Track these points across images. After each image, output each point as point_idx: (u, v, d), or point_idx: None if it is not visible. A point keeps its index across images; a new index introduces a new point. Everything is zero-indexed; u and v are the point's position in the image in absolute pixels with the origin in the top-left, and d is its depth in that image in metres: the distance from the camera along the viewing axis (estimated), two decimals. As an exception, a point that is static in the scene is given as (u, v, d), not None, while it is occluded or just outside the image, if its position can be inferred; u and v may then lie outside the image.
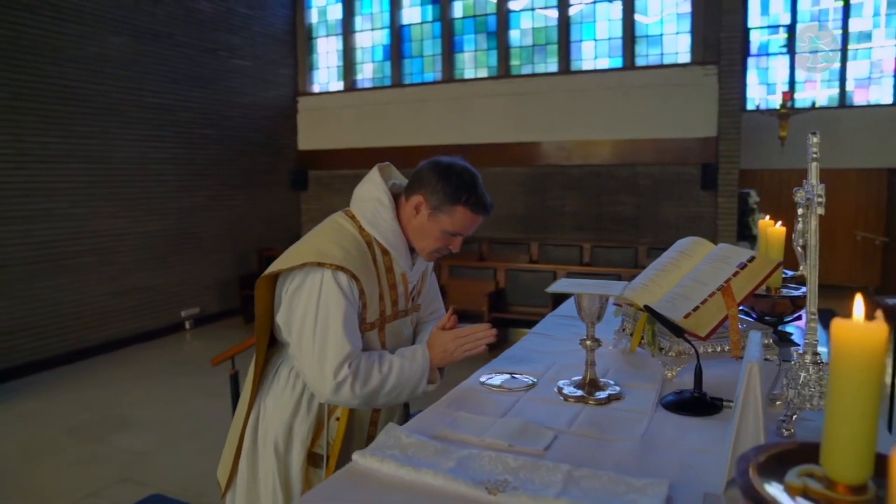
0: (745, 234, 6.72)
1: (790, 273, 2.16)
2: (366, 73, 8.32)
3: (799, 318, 2.01)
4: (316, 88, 8.66)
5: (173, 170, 6.81)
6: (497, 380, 1.64)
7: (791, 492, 0.76)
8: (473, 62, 7.56)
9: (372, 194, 1.68)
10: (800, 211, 1.27)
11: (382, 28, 8.04)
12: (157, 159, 6.61)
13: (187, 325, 6.98)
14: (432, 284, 1.95)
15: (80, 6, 5.78)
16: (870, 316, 0.76)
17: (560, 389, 1.55)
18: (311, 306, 1.55)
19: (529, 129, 7.13)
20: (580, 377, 1.58)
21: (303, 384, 1.64)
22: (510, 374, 1.69)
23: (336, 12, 8.29)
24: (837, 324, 0.72)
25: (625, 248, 6.59)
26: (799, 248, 1.29)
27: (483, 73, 7.51)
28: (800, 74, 8.12)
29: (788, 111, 6.91)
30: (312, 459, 1.64)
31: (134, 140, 6.34)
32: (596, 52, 6.95)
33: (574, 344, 1.97)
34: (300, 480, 1.64)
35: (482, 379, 1.66)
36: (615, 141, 6.78)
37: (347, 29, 8.24)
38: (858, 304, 0.76)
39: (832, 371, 0.74)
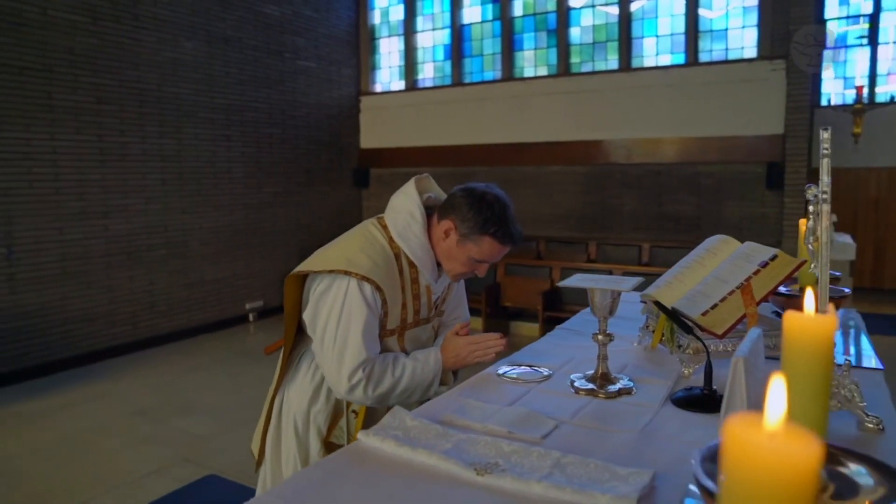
0: (815, 236, 6.43)
1: (835, 273, 2.10)
2: (427, 73, 8.43)
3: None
4: (378, 88, 8.84)
5: (240, 167, 7.11)
6: (514, 371, 1.68)
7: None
8: (533, 60, 7.54)
9: (405, 207, 1.74)
10: (811, 208, 1.25)
11: (443, 28, 8.13)
12: (226, 157, 6.92)
13: (251, 318, 7.28)
14: (459, 291, 1.99)
15: (157, 14, 6.13)
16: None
17: (572, 382, 1.57)
18: (335, 312, 1.64)
19: (589, 127, 7.05)
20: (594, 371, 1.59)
21: (321, 375, 1.73)
22: (528, 366, 1.72)
23: (398, 13, 8.44)
24: (789, 316, 0.73)
25: (684, 249, 6.40)
26: (810, 246, 1.27)
27: (542, 72, 7.48)
28: (882, 67, 7.69)
29: (863, 106, 6.56)
30: (330, 449, 1.73)
31: (204, 139, 6.66)
32: (658, 49, 6.80)
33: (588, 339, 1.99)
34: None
35: (500, 370, 1.70)
36: (676, 139, 6.63)
37: (409, 29, 8.37)
38: (809, 297, 0.77)
39: (783, 362, 0.75)
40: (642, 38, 6.87)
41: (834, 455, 0.80)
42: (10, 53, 5.11)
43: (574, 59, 7.26)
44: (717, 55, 6.57)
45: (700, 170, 6.55)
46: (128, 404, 4.88)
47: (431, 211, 1.76)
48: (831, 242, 1.26)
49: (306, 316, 1.71)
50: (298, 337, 1.83)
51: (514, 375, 1.65)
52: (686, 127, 6.53)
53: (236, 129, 7.04)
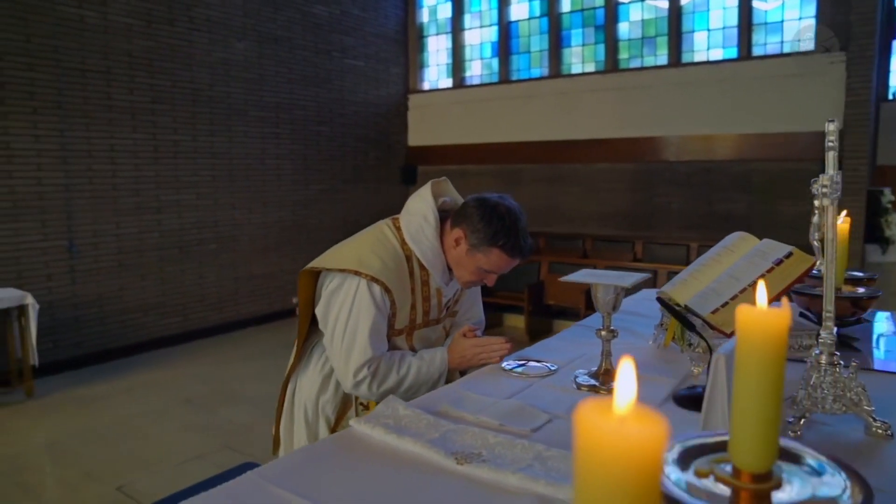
0: (876, 237, 6.14)
1: (861, 274, 2.01)
2: (474, 71, 8.43)
3: (859, 320, 1.87)
4: (426, 86, 8.89)
5: (289, 165, 7.28)
6: (519, 365, 1.68)
7: (698, 475, 0.76)
8: (580, 57, 7.44)
9: (420, 210, 1.76)
10: (817, 202, 1.21)
11: (491, 25, 8.11)
12: (274, 155, 7.10)
13: (297, 312, 7.44)
14: (474, 292, 2.00)
15: (210, 16, 6.34)
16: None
17: (575, 378, 1.56)
18: (345, 310, 1.69)
19: (637, 124, 6.92)
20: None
21: (330, 367, 1.78)
22: (536, 361, 1.72)
23: (446, 11, 8.47)
24: (742, 310, 0.71)
25: (734, 249, 6.23)
26: (815, 243, 1.23)
27: (590, 68, 7.38)
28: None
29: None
30: None
31: (253, 137, 6.86)
32: (709, 43, 6.60)
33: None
34: None
35: (505, 364, 1.70)
36: (727, 135, 6.42)
37: (457, 27, 8.39)
38: (761, 290, 0.75)
39: (737, 357, 0.73)
40: (693, 32, 6.69)
41: (799, 456, 0.78)
42: (74, 57, 5.39)
43: (622, 55, 7.13)
44: (772, 48, 6.33)
45: (752, 167, 6.33)
46: (177, 392, 5.08)
47: (447, 215, 1.77)
48: (826, 239, 1.21)
49: (318, 311, 1.76)
50: (312, 328, 1.88)
51: (519, 370, 1.65)
52: (738, 123, 6.32)
53: (285, 127, 7.21)
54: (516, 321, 7.01)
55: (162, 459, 3.95)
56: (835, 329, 1.25)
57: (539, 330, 6.50)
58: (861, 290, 1.89)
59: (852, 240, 5.62)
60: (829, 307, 1.24)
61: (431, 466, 1.12)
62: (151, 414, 4.68)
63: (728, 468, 0.74)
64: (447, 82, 8.64)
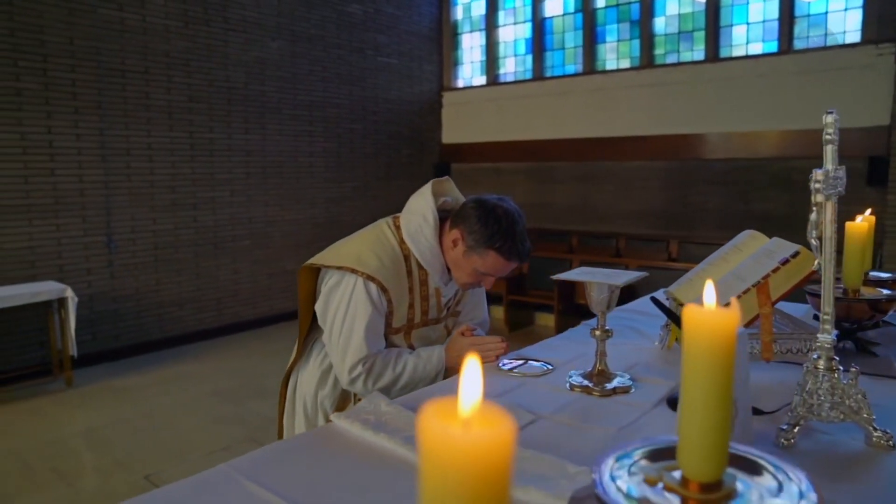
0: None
1: (886, 275, 1.92)
2: (508, 68, 8.37)
3: (878, 324, 1.78)
4: (460, 83, 8.87)
5: (322, 162, 7.36)
6: (514, 364, 1.65)
7: (648, 483, 0.73)
8: (615, 53, 7.31)
9: (419, 209, 1.76)
10: (817, 198, 1.15)
11: (525, 22, 8.03)
12: (307, 152, 7.19)
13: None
14: (478, 292, 1.97)
15: (245, 16, 6.45)
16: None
17: (568, 378, 1.52)
18: (342, 308, 1.70)
19: (672, 120, 6.76)
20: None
21: (329, 362, 1.79)
22: (533, 360, 1.69)
23: (480, 8, 8.43)
24: (689, 310, 0.68)
25: (772, 249, 6.04)
26: (813, 241, 1.17)
27: (625, 64, 7.24)
28: None
29: None
30: None
31: (287, 135, 6.95)
32: (748, 37, 6.40)
33: (620, 338, 1.92)
34: None
35: (502, 362, 1.67)
36: (767, 132, 6.22)
37: (491, 24, 8.34)
38: (709, 289, 0.71)
39: (684, 360, 0.70)
40: (731, 26, 6.49)
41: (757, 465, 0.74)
42: (115, 58, 5.55)
43: (658, 51, 6.98)
44: (815, 41, 6.10)
45: (792, 165, 6.11)
46: (208, 385, 5.19)
47: (448, 215, 1.76)
48: (824, 237, 1.15)
49: (318, 308, 1.77)
50: (313, 324, 1.89)
51: (514, 368, 1.63)
52: (777, 119, 6.11)
53: (318, 125, 7.28)
54: (547, 320, 6.94)
55: (190, 450, 4.05)
56: (834, 332, 1.19)
57: (568, 329, 6.41)
58: (886, 291, 1.80)
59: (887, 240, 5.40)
60: (826, 309, 1.18)
61: (403, 463, 1.11)
62: (182, 406, 4.80)
63: (678, 476, 0.70)
64: (481, 79, 8.61)
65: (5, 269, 5.08)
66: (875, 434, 1.15)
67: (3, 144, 5.01)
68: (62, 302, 4.95)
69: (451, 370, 1.73)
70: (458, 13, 8.69)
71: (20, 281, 5.09)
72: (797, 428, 1.17)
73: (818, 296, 1.76)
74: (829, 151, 1.14)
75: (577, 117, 7.53)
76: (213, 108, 6.26)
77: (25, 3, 5.04)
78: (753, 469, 0.74)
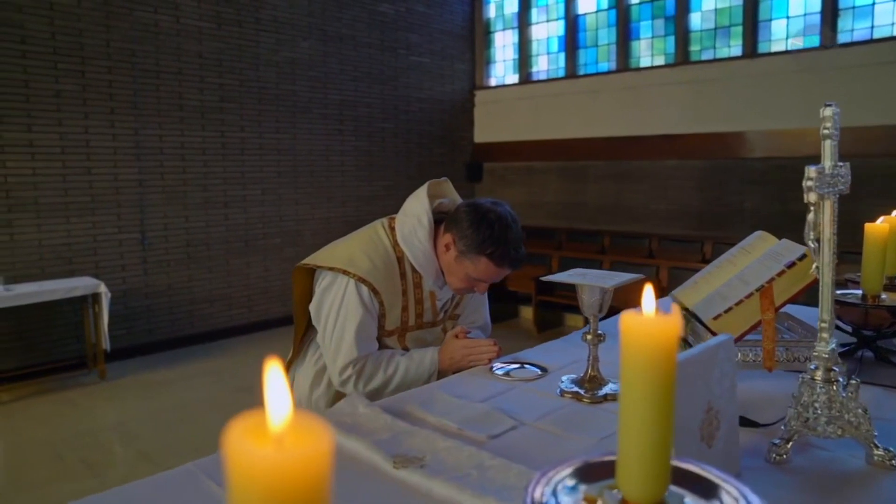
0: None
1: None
2: (541, 66, 8.27)
3: (897, 332, 1.67)
4: (493, 82, 8.81)
5: (352, 161, 7.39)
6: (507, 368, 1.61)
7: (586, 502, 0.68)
8: (650, 49, 7.14)
9: (414, 211, 1.73)
10: (810, 197, 1.07)
11: (558, 19, 7.92)
12: (338, 151, 7.23)
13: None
14: (478, 296, 1.92)
15: (276, 17, 6.53)
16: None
17: (559, 384, 1.47)
18: (334, 309, 1.69)
19: (708, 118, 6.57)
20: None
21: (324, 362, 1.77)
22: (528, 363, 1.64)
23: (512, 6, 8.35)
24: (626, 318, 0.63)
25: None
26: (811, 243, 1.09)
27: (659, 61, 7.07)
28: None
29: None
30: None
31: (318, 134, 7.00)
32: (788, 31, 6.17)
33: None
34: None
35: (494, 366, 1.63)
36: (806, 129, 5.98)
37: (523, 22, 8.26)
38: (648, 293, 0.65)
39: (621, 372, 0.65)
40: (770, 20, 6.27)
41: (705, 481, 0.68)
42: (149, 60, 5.68)
43: (693, 47, 6.79)
44: (860, 34, 5.84)
45: (834, 164, 5.86)
46: (236, 381, 5.26)
47: (444, 217, 1.73)
48: (822, 239, 1.07)
49: (312, 308, 1.77)
50: (309, 323, 1.88)
51: (504, 373, 1.58)
52: (817, 116, 5.87)
53: (349, 124, 7.32)
54: (576, 321, 6.84)
55: (214, 445, 4.08)
56: (833, 341, 1.11)
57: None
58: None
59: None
60: (825, 316, 1.10)
61: (369, 468, 1.08)
62: (208, 400, 4.87)
63: (618, 496, 0.66)
64: (513, 78, 8.53)
65: (45, 264, 5.25)
66: (877, 452, 1.07)
67: (44, 144, 5.17)
68: (96, 297, 5.08)
69: (444, 372, 1.70)
70: (491, 11, 8.63)
71: (59, 276, 5.25)
72: (791, 443, 1.10)
73: (839, 302, 1.67)
74: (828, 147, 1.07)
75: (610, 115, 7.39)
76: (244, 108, 6.35)
77: (66, 7, 5.19)
78: (705, 488, 0.68)
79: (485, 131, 8.82)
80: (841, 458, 1.11)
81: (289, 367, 1.91)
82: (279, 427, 0.34)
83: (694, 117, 6.68)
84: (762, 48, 6.34)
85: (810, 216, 1.09)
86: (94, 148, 5.43)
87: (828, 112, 1.05)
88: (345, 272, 1.67)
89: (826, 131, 1.06)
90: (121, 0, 5.46)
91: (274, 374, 0.35)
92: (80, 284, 5.03)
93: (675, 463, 0.70)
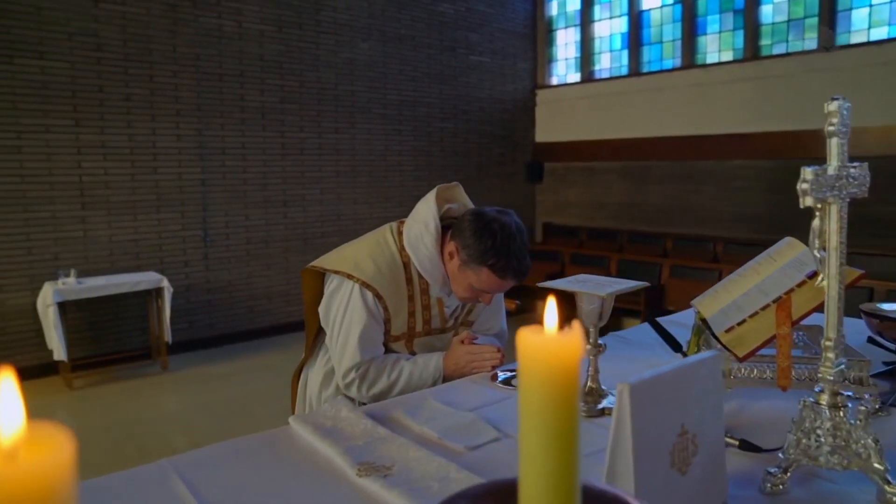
0: None
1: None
2: (603, 64, 8.07)
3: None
4: (554, 81, 8.67)
5: (411, 161, 7.43)
6: (509, 375, 1.55)
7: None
8: (717, 45, 6.84)
9: (422, 216, 1.70)
10: (806, 201, 0.97)
11: (621, 16, 7.71)
12: (397, 151, 7.28)
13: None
14: (496, 302, 1.87)
15: (336, 19, 6.64)
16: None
17: (558, 395, 1.40)
18: (340, 312, 1.69)
19: (778, 116, 6.22)
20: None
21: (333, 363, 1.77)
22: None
23: (575, 3, 8.18)
24: (524, 335, 0.57)
25: (892, 258, 5.41)
26: (816, 252, 0.99)
27: (727, 57, 6.75)
28: None
29: None
30: None
31: (376, 134, 7.07)
32: (870, 21, 5.76)
33: (643, 351, 1.77)
34: None
35: (497, 372, 1.58)
36: (889, 126, 5.58)
37: (586, 19, 8.08)
38: (551, 307, 0.59)
39: (520, 396, 0.59)
40: (850, 10, 5.87)
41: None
42: (212, 63, 5.88)
43: (764, 41, 6.45)
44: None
45: (919, 164, 5.44)
46: (287, 376, 5.35)
47: (452, 222, 1.69)
48: (829, 248, 0.96)
49: (320, 310, 1.77)
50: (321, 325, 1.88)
51: (505, 380, 1.53)
52: (901, 113, 5.47)
53: (408, 124, 7.36)
54: (633, 325, 6.62)
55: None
56: (841, 362, 1.00)
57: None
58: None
59: None
60: (831, 334, 0.99)
61: (335, 474, 1.06)
62: (262, 395, 4.99)
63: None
64: (575, 76, 8.36)
65: (114, 259, 5.53)
66: (889, 490, 0.96)
67: (115, 145, 5.45)
68: (159, 291, 5.31)
69: (449, 378, 1.66)
70: (553, 9, 8.49)
71: (127, 271, 5.52)
72: (789, 472, 1.00)
73: (874, 315, 1.52)
74: (835, 145, 0.97)
75: (674, 114, 7.13)
76: (304, 109, 6.49)
77: (136, 16, 5.45)
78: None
79: (546, 131, 8.69)
80: (849, 493, 1.00)
81: (302, 367, 1.92)
82: (10, 440, 0.31)
83: (763, 115, 6.35)
84: (840, 40, 5.95)
85: (815, 222, 0.99)
86: (161, 148, 5.67)
87: (833, 107, 0.95)
88: (349, 276, 1.67)
89: (832, 128, 0.95)
90: (187, 7, 5.68)
91: (3, 384, 0.32)
92: (144, 279, 5.27)
93: (602, 490, 0.63)
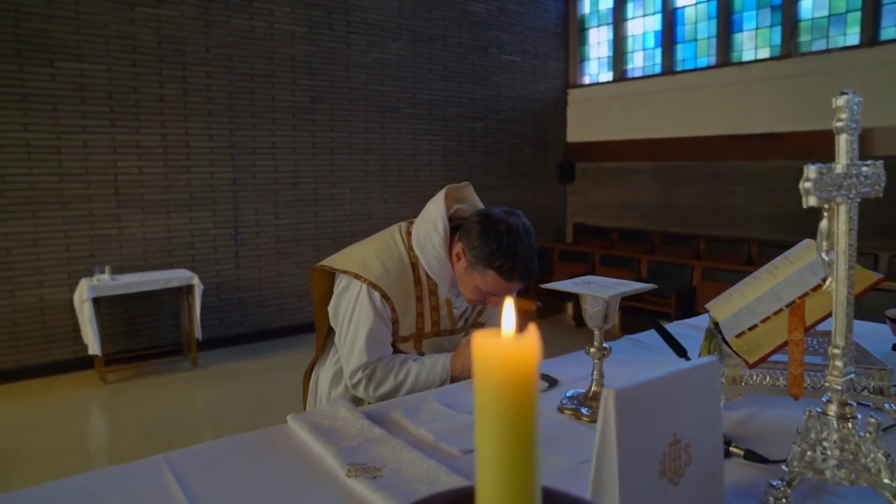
0: None
1: None
2: (636, 62, 7.94)
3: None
4: (586, 80, 8.56)
5: (441, 160, 7.43)
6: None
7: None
8: (753, 42, 6.66)
9: (431, 216, 1.69)
10: (809, 201, 0.92)
11: (654, 13, 7.57)
12: (426, 150, 7.29)
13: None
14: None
15: (367, 19, 6.67)
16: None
17: (561, 399, 1.37)
18: (348, 312, 1.69)
19: (816, 115, 6.02)
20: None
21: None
22: (543, 375, 1.55)
23: (607, 1, 8.07)
24: (477, 338, 0.55)
25: (937, 263, 5.20)
26: (824, 255, 0.95)
27: (764, 54, 6.58)
28: None
29: None
30: None
31: (406, 133, 7.09)
32: (916, 16, 5.55)
33: (657, 356, 1.73)
34: None
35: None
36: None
37: (619, 17, 7.96)
38: (508, 309, 0.57)
39: (476, 403, 0.57)
40: (895, 3, 5.66)
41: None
42: (244, 64, 5.97)
43: (803, 38, 6.25)
44: None
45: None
46: (314, 373, 5.42)
47: (462, 223, 1.67)
48: (837, 251, 0.91)
49: (329, 309, 1.77)
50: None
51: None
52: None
53: (438, 124, 7.36)
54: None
55: (283, 435, 4.24)
56: (850, 370, 0.95)
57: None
58: None
59: None
60: (839, 341, 0.94)
61: (326, 474, 1.05)
62: (288, 392, 5.03)
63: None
64: (608, 75, 8.25)
65: (148, 256, 5.65)
66: (898, 504, 0.91)
67: (149, 145, 5.57)
68: (190, 289, 5.40)
69: (456, 379, 1.64)
70: (585, 7, 8.39)
71: (159, 268, 5.64)
72: (792, 486, 0.95)
73: (899, 321, 1.45)
74: (843, 142, 0.92)
75: (709, 113, 6.98)
76: (334, 109, 6.54)
77: (170, 18, 5.56)
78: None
79: (578, 130, 8.60)
80: (858, 508, 0.95)
81: (313, 366, 1.92)
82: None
83: (802, 114, 6.16)
84: (885, 35, 5.74)
85: (823, 223, 0.94)
86: (193, 148, 5.78)
87: (841, 101, 0.90)
88: (357, 276, 1.66)
89: (840, 124, 0.91)
90: (219, 9, 5.78)
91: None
92: (176, 276, 5.37)
93: (564, 494, 0.61)
